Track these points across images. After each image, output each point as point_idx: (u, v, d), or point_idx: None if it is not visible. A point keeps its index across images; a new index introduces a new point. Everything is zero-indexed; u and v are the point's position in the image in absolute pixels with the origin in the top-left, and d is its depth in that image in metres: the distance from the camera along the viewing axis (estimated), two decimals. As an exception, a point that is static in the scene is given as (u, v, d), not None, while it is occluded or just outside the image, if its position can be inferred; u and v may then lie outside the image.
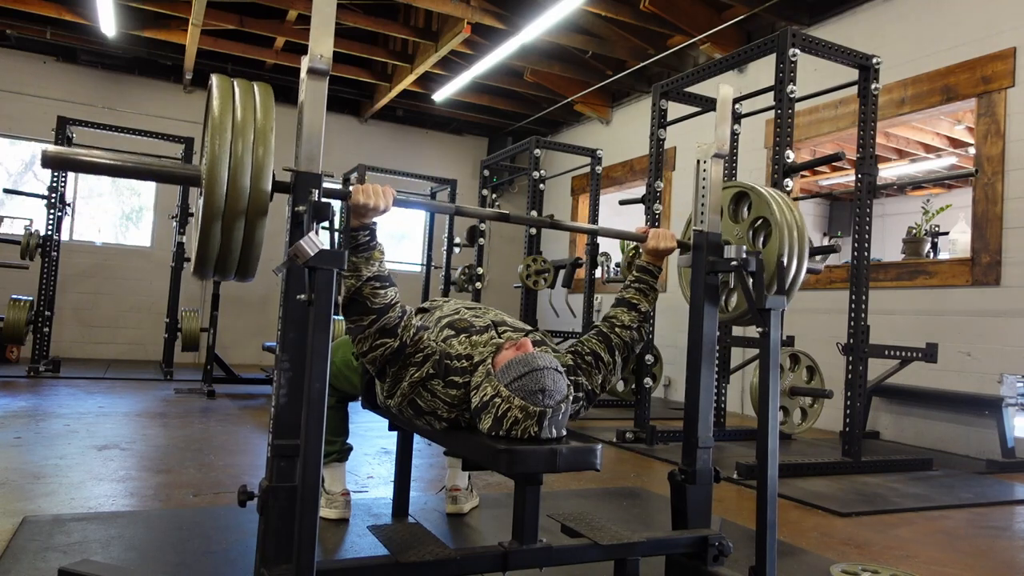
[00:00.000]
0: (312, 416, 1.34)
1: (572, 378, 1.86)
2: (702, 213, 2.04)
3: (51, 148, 1.42)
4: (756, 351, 4.25)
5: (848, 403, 3.86)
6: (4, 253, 6.49)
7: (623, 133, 8.28)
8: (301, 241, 1.34)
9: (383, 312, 1.66)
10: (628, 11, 6.22)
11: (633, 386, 4.68)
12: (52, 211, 6.24)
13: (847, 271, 4.34)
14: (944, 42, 4.93)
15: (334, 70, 2.16)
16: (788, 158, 3.62)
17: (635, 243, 2.21)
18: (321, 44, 1.50)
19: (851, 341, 3.88)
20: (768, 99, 3.90)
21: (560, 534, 1.86)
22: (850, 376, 3.88)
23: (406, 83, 7.69)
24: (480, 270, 6.46)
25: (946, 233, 5.43)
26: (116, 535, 2.16)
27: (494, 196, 8.54)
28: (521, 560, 1.63)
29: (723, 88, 2.11)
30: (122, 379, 6.18)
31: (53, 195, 6.23)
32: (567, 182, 9.03)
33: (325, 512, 2.41)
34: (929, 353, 3.84)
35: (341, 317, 1.75)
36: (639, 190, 6.38)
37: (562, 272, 5.75)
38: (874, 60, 3.90)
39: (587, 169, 6.20)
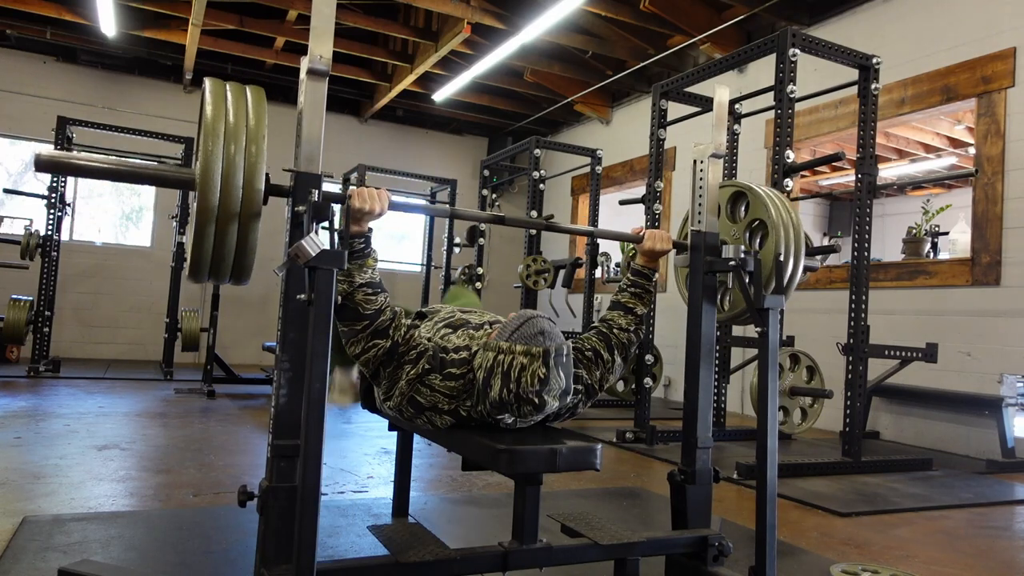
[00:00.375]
0: (312, 416, 1.34)
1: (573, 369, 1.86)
2: (699, 213, 2.04)
3: (44, 152, 1.43)
4: (756, 351, 4.25)
5: (848, 403, 3.86)
6: (4, 253, 6.49)
7: (623, 133, 8.28)
8: (302, 241, 1.34)
9: (374, 317, 1.69)
10: (628, 11, 6.22)
11: (633, 386, 4.68)
12: (52, 211, 6.25)
13: (847, 271, 4.34)
14: (944, 42, 4.93)
15: (334, 70, 2.16)
16: (788, 158, 3.62)
17: (635, 244, 2.21)
18: (321, 45, 1.50)
19: (851, 341, 3.88)
20: (768, 99, 3.90)
21: (560, 534, 1.86)
22: (850, 376, 3.88)
23: (406, 83, 7.69)
24: (480, 270, 6.47)
25: (946, 233, 5.43)
26: (116, 535, 2.16)
27: (494, 196, 8.54)
28: (521, 560, 1.63)
29: (719, 91, 2.11)
30: (122, 379, 6.18)
31: (53, 195, 6.23)
32: (567, 182, 9.03)
33: (336, 401, 2.31)
34: (929, 353, 3.84)
35: None
36: (639, 190, 6.38)
37: (562, 272, 5.75)
38: (874, 60, 3.90)
39: (587, 169, 6.20)
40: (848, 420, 3.86)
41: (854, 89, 4.00)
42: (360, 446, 3.88)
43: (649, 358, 4.52)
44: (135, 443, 3.57)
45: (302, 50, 7.10)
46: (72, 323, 7.73)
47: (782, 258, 2.10)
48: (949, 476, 3.82)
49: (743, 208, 2.34)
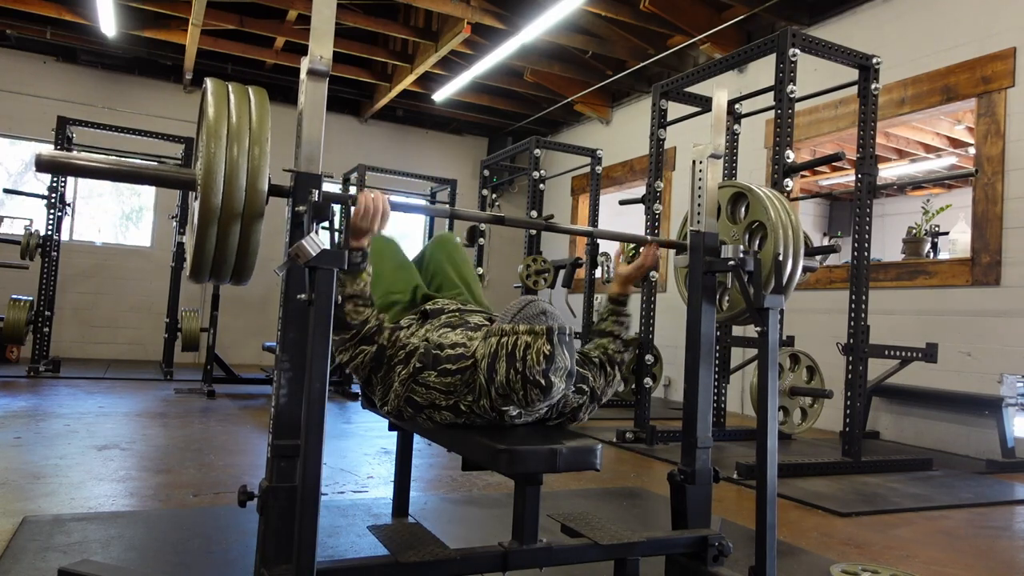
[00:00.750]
0: (312, 416, 1.34)
1: (578, 369, 1.87)
2: (698, 214, 2.05)
3: (44, 152, 1.43)
4: (756, 351, 4.25)
5: (848, 403, 3.86)
6: (4, 253, 6.49)
7: (623, 133, 8.28)
8: (303, 241, 1.34)
9: (360, 327, 1.73)
10: (628, 11, 6.22)
11: (633, 386, 4.68)
12: (52, 211, 6.25)
13: (847, 271, 4.34)
14: (944, 42, 4.93)
15: (334, 70, 2.16)
16: (788, 158, 3.62)
17: (634, 244, 2.22)
18: (321, 45, 1.50)
19: (851, 341, 3.88)
20: (768, 99, 3.90)
21: (560, 534, 1.86)
22: (850, 376, 3.88)
23: (406, 83, 7.69)
24: (480, 270, 6.46)
25: (946, 233, 5.43)
26: (116, 535, 2.16)
27: (494, 196, 8.53)
28: (521, 560, 1.63)
29: (717, 93, 2.11)
30: (122, 379, 6.18)
31: (53, 195, 6.23)
32: (567, 182, 9.03)
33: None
34: (929, 353, 3.84)
35: None
36: (639, 190, 6.37)
37: (562, 272, 5.74)
38: (874, 60, 3.90)
39: (587, 169, 6.20)
40: (848, 420, 3.86)
41: (854, 89, 4.00)
42: (360, 446, 3.88)
43: (649, 358, 4.52)
44: (135, 443, 3.57)
45: (302, 50, 7.10)
46: (72, 323, 7.73)
47: (781, 258, 2.10)
48: (949, 476, 3.82)
49: (743, 209, 2.34)
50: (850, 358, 3.88)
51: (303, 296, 1.38)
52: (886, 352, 3.98)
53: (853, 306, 3.88)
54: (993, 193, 4.53)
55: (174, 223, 6.84)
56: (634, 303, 6.23)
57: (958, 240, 5.06)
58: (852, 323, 3.88)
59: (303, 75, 1.54)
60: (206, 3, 5.90)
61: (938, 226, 5.55)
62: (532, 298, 1.68)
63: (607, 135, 8.49)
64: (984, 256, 4.55)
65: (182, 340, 6.53)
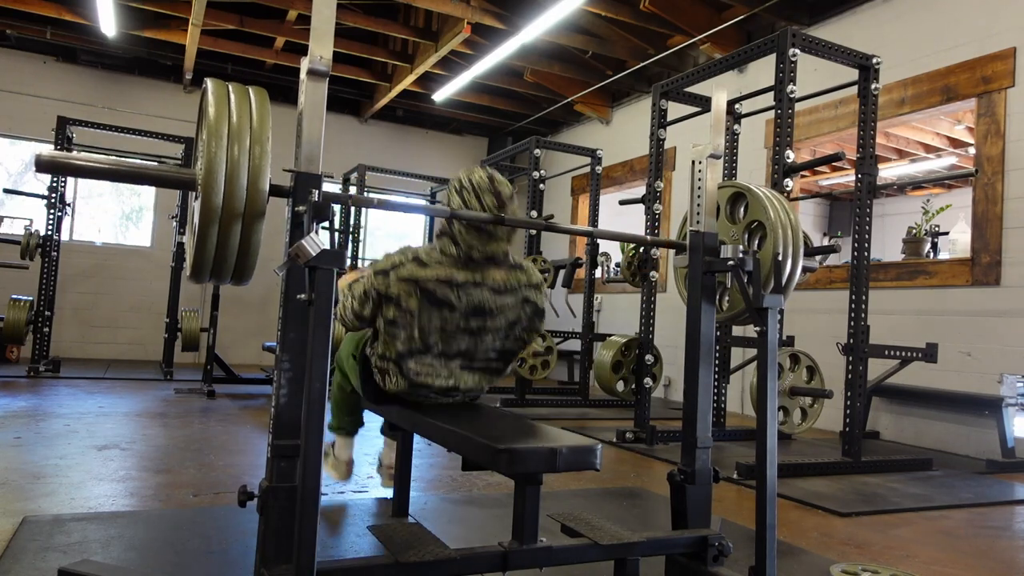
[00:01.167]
0: (312, 416, 1.35)
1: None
2: (698, 214, 2.05)
3: (45, 153, 1.43)
4: (756, 351, 4.25)
5: (848, 403, 3.87)
6: (4, 253, 6.49)
7: (623, 133, 8.28)
8: (303, 241, 1.34)
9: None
10: (628, 11, 6.22)
11: (633, 386, 4.68)
12: (52, 211, 6.25)
13: (847, 271, 4.34)
14: (944, 42, 4.93)
15: (334, 70, 2.17)
16: (788, 158, 3.62)
17: (635, 244, 2.23)
18: (321, 45, 1.50)
19: (851, 341, 3.88)
20: (768, 99, 3.90)
21: (560, 534, 1.86)
22: (850, 376, 3.88)
23: (406, 83, 7.69)
24: (480, 270, 6.45)
25: (946, 233, 5.42)
26: (116, 535, 2.17)
27: (494, 196, 8.52)
28: (521, 560, 1.63)
29: (717, 94, 2.11)
30: (122, 379, 6.18)
31: (53, 195, 6.24)
32: (567, 182, 9.03)
33: (329, 472, 2.63)
34: (929, 353, 3.84)
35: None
36: (639, 190, 6.37)
37: (562, 272, 5.75)
38: (874, 60, 3.90)
39: (587, 169, 6.20)
40: (848, 420, 3.86)
41: (854, 89, 4.00)
42: (360, 446, 3.86)
43: (649, 358, 4.52)
44: (135, 443, 3.57)
45: (302, 50, 7.10)
46: (72, 323, 7.73)
47: (780, 258, 2.10)
48: (949, 476, 3.82)
49: (743, 209, 2.34)
50: (850, 358, 3.88)
51: (303, 296, 1.39)
52: (886, 352, 3.98)
53: (853, 306, 3.88)
54: (993, 193, 4.53)
55: (174, 223, 6.84)
56: (634, 303, 6.22)
57: (958, 240, 5.06)
58: (852, 323, 3.88)
59: (303, 75, 1.54)
60: (206, 3, 5.90)
61: (938, 226, 5.55)
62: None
63: (607, 135, 8.49)
64: (984, 256, 4.55)
65: (182, 340, 6.53)
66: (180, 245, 6.65)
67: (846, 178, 8.91)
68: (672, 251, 2.12)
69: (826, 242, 7.94)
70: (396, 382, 2.08)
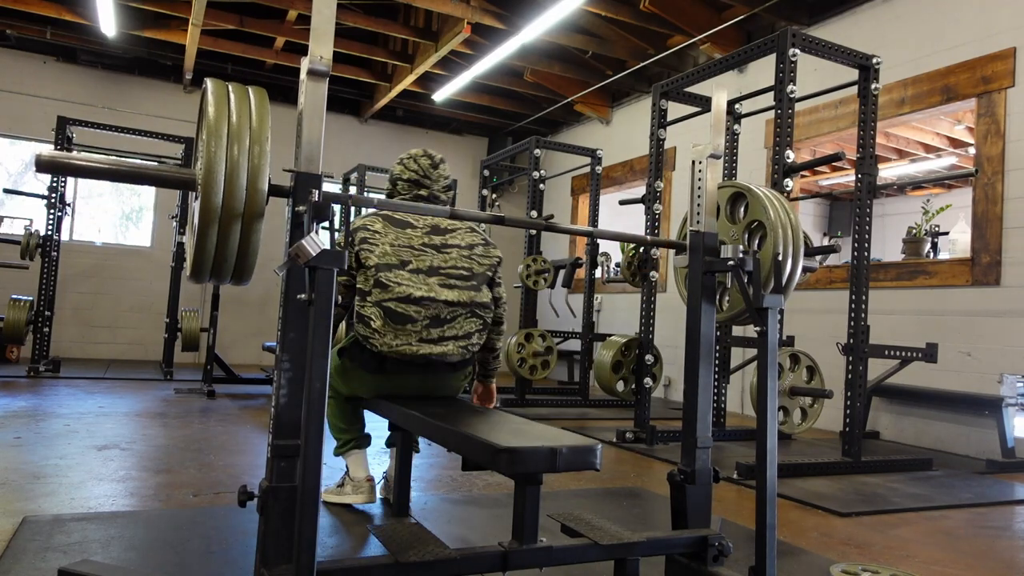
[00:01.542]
0: (312, 416, 1.35)
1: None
2: (698, 214, 2.05)
3: (44, 153, 1.42)
4: (756, 351, 4.25)
5: (848, 403, 3.87)
6: (4, 253, 6.49)
7: (623, 133, 8.28)
8: (303, 241, 1.34)
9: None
10: (628, 11, 6.22)
11: (633, 386, 4.68)
12: (52, 211, 6.25)
13: (847, 271, 4.34)
14: (944, 42, 4.93)
15: (334, 70, 2.18)
16: (788, 158, 3.62)
17: (635, 244, 2.23)
18: (321, 45, 1.50)
19: (851, 341, 3.88)
20: (768, 99, 3.90)
21: (560, 534, 1.86)
22: (850, 376, 3.88)
23: (406, 83, 7.69)
24: (480, 270, 6.45)
25: (946, 233, 5.42)
26: (116, 535, 2.17)
27: (494, 196, 8.54)
28: (521, 560, 1.63)
29: (717, 94, 2.11)
30: (122, 379, 6.18)
31: (53, 195, 6.24)
32: (567, 182, 9.03)
33: (352, 498, 2.55)
34: (929, 353, 3.84)
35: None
36: (639, 190, 6.38)
37: (562, 272, 5.75)
38: (874, 60, 3.90)
39: (587, 169, 6.21)
40: (848, 420, 3.86)
41: (854, 89, 4.00)
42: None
43: (649, 358, 4.52)
44: (135, 443, 3.57)
45: (302, 50, 7.11)
46: (72, 323, 7.74)
47: (780, 258, 2.10)
48: (949, 476, 3.82)
49: (742, 209, 2.34)
50: (850, 358, 3.88)
51: (303, 296, 1.38)
52: (886, 352, 3.98)
53: (853, 306, 3.88)
54: (993, 193, 4.54)
55: (174, 223, 6.84)
56: (634, 303, 6.22)
57: (958, 240, 5.06)
58: (852, 323, 3.88)
59: (303, 75, 1.54)
60: (206, 3, 5.90)
61: (938, 226, 5.55)
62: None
63: (607, 135, 8.49)
64: (984, 256, 4.55)
65: (182, 340, 6.53)
66: (180, 245, 6.65)
67: (846, 178, 8.92)
68: (672, 251, 2.12)
69: (826, 242, 7.95)
70: (381, 324, 2.25)
